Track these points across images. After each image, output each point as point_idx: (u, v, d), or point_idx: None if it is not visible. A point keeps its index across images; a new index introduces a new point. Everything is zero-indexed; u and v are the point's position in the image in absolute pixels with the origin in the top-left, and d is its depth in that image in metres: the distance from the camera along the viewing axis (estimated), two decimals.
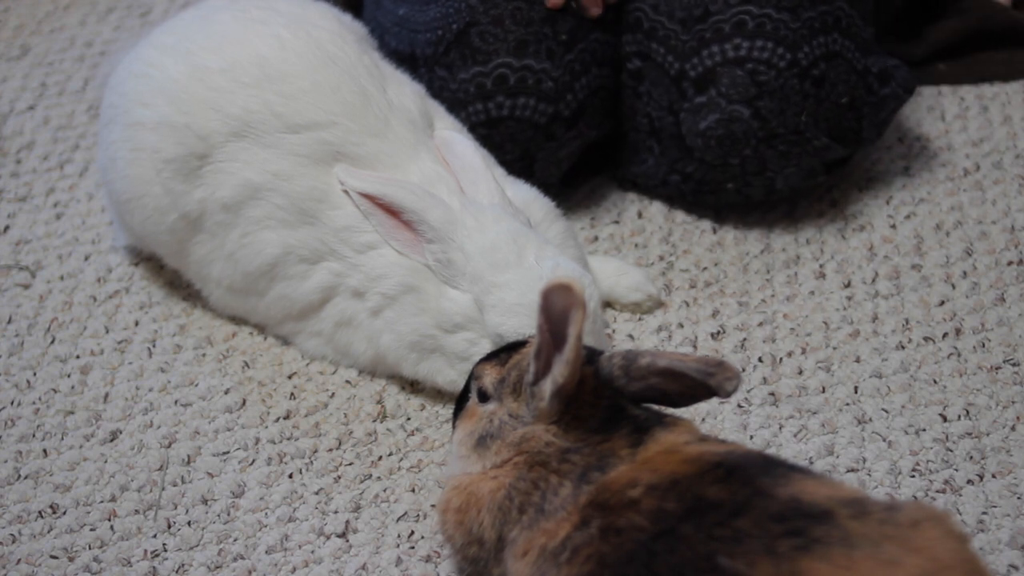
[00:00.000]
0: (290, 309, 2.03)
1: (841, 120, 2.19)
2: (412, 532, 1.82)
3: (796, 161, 2.20)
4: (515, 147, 2.19)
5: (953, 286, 2.16)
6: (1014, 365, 2.02)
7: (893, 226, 2.28)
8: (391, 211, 1.91)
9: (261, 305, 2.05)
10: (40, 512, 1.86)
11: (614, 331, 2.11)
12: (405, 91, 2.04)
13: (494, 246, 1.87)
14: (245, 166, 1.96)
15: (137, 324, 2.15)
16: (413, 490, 1.88)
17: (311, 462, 1.92)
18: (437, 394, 2.00)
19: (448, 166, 1.98)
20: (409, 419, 1.99)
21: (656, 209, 2.33)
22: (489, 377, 1.68)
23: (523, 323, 1.82)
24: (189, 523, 1.84)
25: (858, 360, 2.05)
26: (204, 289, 2.11)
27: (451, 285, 1.89)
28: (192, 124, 1.97)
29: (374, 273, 1.93)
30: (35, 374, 2.07)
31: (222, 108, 1.96)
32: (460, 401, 1.75)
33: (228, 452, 1.94)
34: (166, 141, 1.99)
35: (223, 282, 2.06)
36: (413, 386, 2.03)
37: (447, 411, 1.98)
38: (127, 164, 2.03)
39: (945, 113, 2.52)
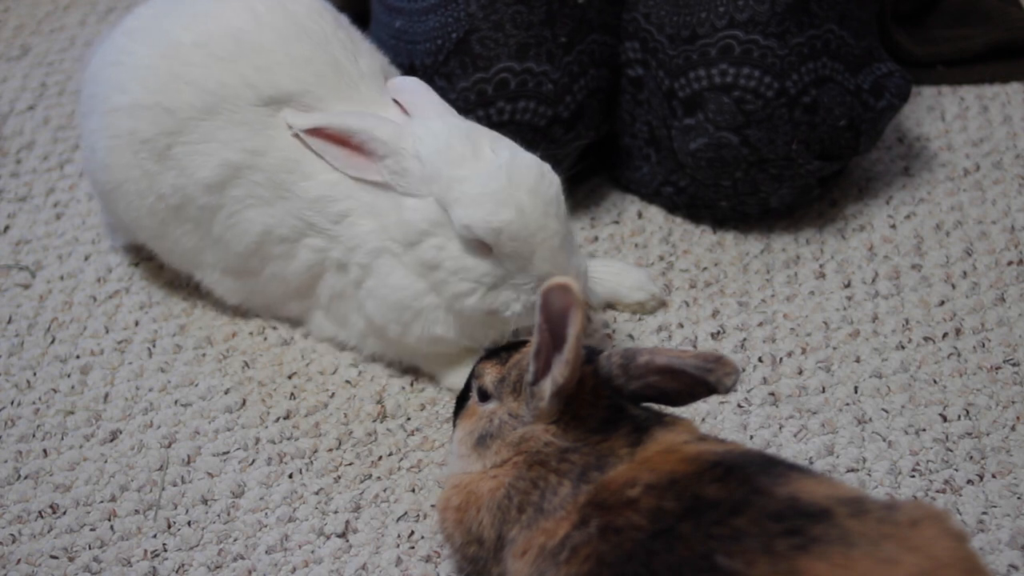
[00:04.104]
0: (286, 288, 2.04)
1: (838, 140, 2.18)
2: (412, 532, 1.82)
3: (790, 183, 2.20)
4: None
5: (953, 286, 2.16)
6: (1014, 365, 2.02)
7: (893, 226, 2.28)
8: (341, 140, 1.92)
9: (259, 286, 2.06)
10: (40, 512, 1.86)
11: (614, 331, 2.11)
12: (376, 61, 2.05)
13: (448, 145, 1.86)
14: (222, 146, 1.96)
15: (137, 324, 2.15)
16: (413, 490, 1.88)
17: (311, 462, 1.92)
18: (437, 394, 2.00)
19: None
20: (409, 419, 1.99)
21: (656, 209, 2.33)
22: (489, 376, 1.68)
23: (489, 212, 1.81)
24: (189, 523, 1.84)
25: (858, 360, 2.04)
26: (205, 278, 2.10)
27: (409, 195, 1.89)
28: (164, 101, 1.97)
29: (351, 244, 1.94)
30: (35, 374, 2.07)
31: (196, 82, 1.96)
32: (460, 400, 1.75)
33: (228, 452, 1.94)
34: (142, 121, 1.98)
35: (218, 266, 2.06)
36: (413, 386, 2.03)
37: (447, 411, 1.98)
38: (107, 152, 2.03)
39: (945, 113, 2.51)
